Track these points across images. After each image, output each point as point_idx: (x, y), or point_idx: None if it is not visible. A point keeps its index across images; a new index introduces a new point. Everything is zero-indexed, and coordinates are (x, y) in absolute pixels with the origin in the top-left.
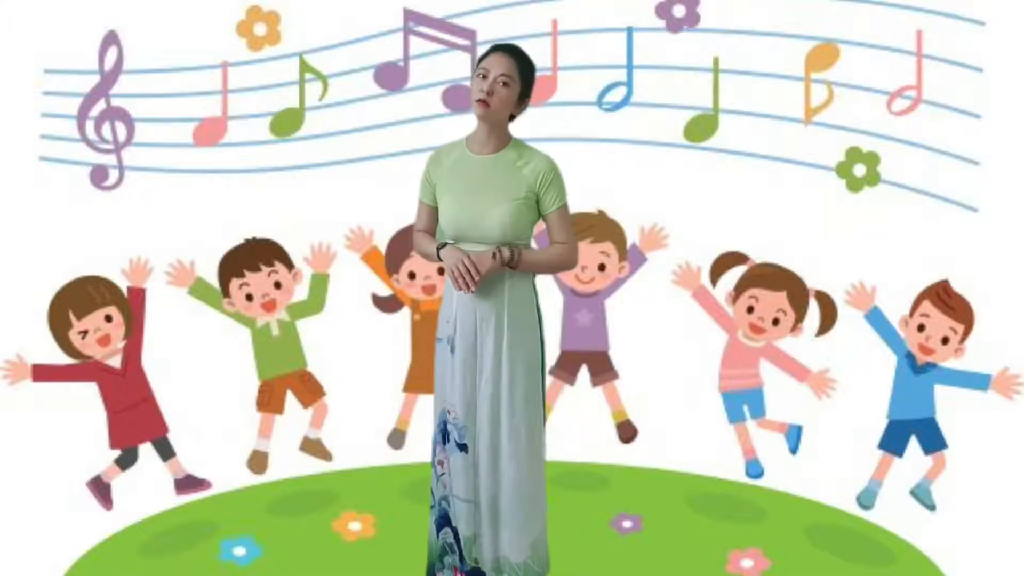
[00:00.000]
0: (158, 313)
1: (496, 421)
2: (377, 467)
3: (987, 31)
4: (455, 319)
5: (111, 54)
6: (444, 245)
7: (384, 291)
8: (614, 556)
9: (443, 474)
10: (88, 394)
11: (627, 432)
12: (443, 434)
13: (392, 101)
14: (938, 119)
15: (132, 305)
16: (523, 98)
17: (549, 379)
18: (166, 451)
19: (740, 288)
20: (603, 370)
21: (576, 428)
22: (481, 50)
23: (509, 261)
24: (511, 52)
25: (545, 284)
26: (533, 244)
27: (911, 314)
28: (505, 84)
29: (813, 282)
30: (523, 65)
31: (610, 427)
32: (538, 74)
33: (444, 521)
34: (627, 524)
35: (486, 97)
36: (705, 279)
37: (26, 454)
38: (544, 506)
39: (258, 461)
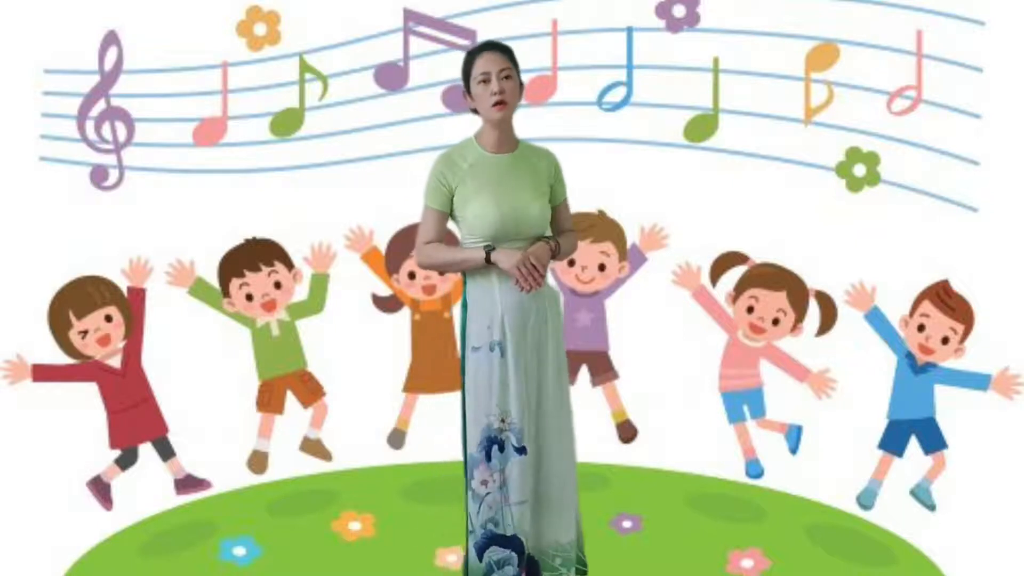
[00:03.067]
0: (158, 313)
1: (561, 418)
2: (377, 467)
3: (987, 31)
4: (501, 322)
5: (111, 54)
6: (491, 248)
7: (384, 291)
8: (614, 556)
9: (488, 494)
10: (88, 394)
11: (627, 432)
12: (487, 451)
13: (392, 101)
14: (938, 119)
15: (132, 305)
16: (520, 87)
17: None
18: (166, 451)
19: (740, 288)
20: (603, 370)
21: (576, 428)
22: None
23: (556, 251)
24: (497, 48)
25: None
26: None
27: (911, 314)
28: (508, 77)
29: (813, 282)
30: (511, 55)
31: (610, 427)
32: (538, 74)
33: (489, 543)
34: (627, 524)
35: (501, 97)
36: (705, 279)
37: (26, 454)
38: None
39: (258, 461)
